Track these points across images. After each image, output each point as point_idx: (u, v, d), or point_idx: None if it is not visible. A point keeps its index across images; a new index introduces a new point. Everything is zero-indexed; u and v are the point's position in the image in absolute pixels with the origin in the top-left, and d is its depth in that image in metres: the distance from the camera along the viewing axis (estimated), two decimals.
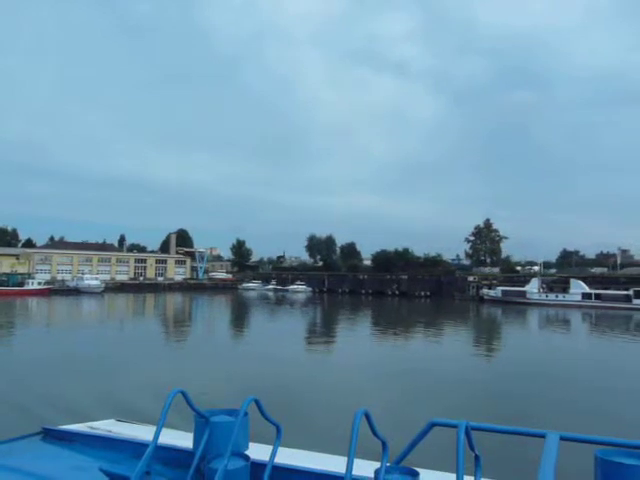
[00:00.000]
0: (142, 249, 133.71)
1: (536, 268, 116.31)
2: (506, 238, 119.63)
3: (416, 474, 2.26)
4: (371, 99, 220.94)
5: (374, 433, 2.36)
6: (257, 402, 2.55)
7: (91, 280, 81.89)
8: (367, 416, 2.24)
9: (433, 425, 2.37)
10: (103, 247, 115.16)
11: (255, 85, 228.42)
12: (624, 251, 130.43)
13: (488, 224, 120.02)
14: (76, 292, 77.47)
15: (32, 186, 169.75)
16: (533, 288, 68.43)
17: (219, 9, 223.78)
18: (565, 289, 66.97)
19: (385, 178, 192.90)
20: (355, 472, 2.01)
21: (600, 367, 23.37)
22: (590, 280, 70.42)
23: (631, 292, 61.09)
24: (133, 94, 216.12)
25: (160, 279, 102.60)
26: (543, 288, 69.08)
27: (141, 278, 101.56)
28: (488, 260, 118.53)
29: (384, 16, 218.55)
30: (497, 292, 71.42)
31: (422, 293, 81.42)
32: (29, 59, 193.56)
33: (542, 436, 2.24)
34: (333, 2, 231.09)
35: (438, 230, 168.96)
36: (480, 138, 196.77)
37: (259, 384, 16.05)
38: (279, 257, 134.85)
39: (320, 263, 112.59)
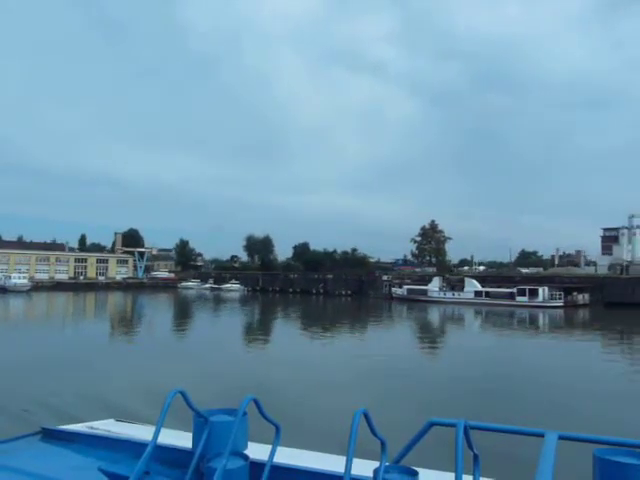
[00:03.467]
0: (102, 249, 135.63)
1: (481, 268, 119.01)
2: (450, 239, 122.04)
3: (415, 473, 2.25)
4: (349, 99, 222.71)
5: (373, 433, 2.35)
6: (256, 401, 2.51)
7: (17, 279, 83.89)
8: (366, 416, 2.24)
9: (432, 424, 2.37)
10: (50, 247, 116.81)
11: (232, 84, 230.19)
12: (578, 251, 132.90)
13: (433, 225, 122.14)
14: (3, 291, 79.40)
15: None
16: (434, 287, 70.42)
17: (197, 6, 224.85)
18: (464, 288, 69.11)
19: (360, 178, 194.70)
20: (354, 471, 2.01)
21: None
22: (518, 279, 72.52)
23: (515, 290, 63.16)
24: (107, 90, 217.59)
25: (101, 278, 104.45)
26: (444, 286, 71.07)
27: (81, 277, 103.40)
28: (433, 260, 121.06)
29: (364, 17, 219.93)
30: (403, 290, 73.48)
31: (344, 292, 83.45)
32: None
33: (541, 435, 2.24)
34: (312, 2, 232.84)
35: (410, 230, 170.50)
36: (456, 139, 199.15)
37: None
38: (232, 257, 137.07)
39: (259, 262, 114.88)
